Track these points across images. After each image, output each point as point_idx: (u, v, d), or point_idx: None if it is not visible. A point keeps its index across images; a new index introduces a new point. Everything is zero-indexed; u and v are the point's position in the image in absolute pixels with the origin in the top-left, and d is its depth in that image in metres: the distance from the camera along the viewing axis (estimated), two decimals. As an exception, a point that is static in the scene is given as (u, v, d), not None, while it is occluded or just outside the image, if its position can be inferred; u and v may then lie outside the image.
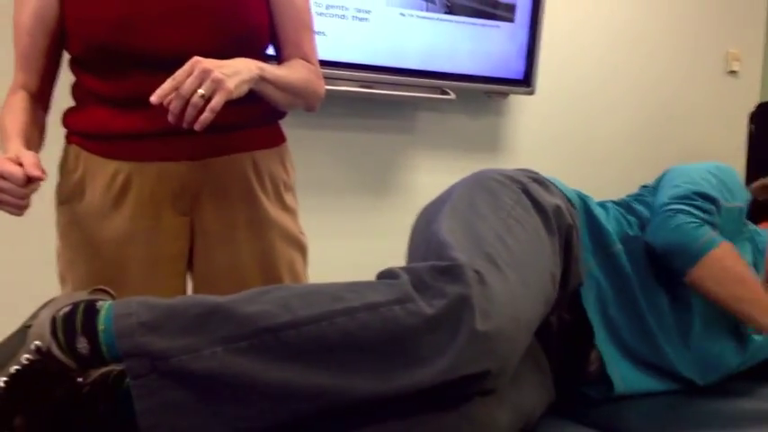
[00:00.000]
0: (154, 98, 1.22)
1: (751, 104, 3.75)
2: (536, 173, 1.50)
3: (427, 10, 2.84)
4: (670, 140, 3.62)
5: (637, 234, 1.53)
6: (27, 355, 1.05)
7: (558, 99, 3.32)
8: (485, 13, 2.96)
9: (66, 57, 1.48)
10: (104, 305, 1.09)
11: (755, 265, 1.65)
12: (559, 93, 3.31)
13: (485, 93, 3.10)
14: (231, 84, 1.24)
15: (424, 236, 1.31)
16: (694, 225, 1.45)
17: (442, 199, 1.42)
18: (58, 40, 1.44)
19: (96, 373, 1.08)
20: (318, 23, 2.62)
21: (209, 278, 1.50)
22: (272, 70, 1.38)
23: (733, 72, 3.76)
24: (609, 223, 1.53)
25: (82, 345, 1.05)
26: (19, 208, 1.23)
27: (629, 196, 1.67)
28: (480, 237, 1.22)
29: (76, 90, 1.48)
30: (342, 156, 2.90)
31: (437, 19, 2.87)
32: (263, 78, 1.34)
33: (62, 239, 1.49)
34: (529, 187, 1.40)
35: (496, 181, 1.40)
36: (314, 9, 2.58)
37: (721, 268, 1.46)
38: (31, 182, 1.22)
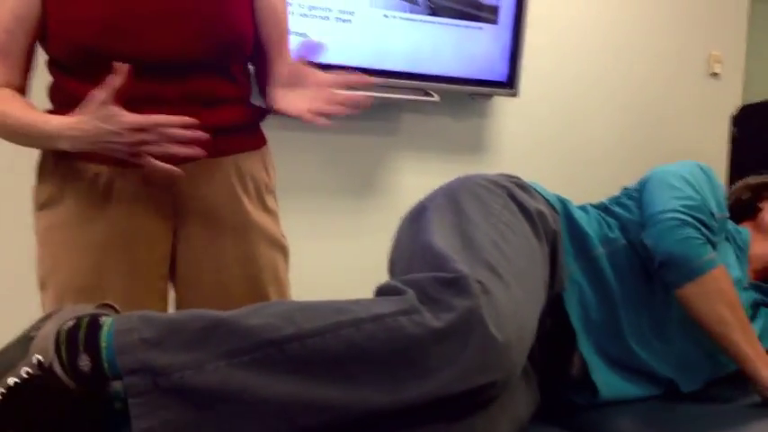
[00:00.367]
0: None
1: (733, 107, 3.77)
2: (517, 177, 1.50)
3: (411, 11, 2.83)
4: (654, 143, 3.63)
5: (617, 237, 1.53)
6: (27, 369, 1.03)
7: (542, 101, 3.32)
8: (468, 14, 2.95)
9: (42, 57, 1.45)
10: (107, 321, 1.07)
11: (739, 262, 1.65)
12: (543, 95, 3.31)
13: (468, 95, 3.10)
14: None
15: (416, 246, 1.30)
16: (700, 242, 1.44)
17: (426, 205, 1.41)
18: (35, 40, 1.41)
19: (95, 393, 1.06)
20: (301, 25, 2.62)
21: (192, 282, 1.49)
22: None
23: (715, 74, 3.77)
24: (590, 227, 1.52)
25: (84, 362, 1.03)
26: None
27: (608, 199, 1.66)
28: (476, 245, 1.21)
29: (55, 92, 1.45)
30: (326, 157, 2.89)
31: (420, 21, 2.86)
32: None
33: (42, 245, 1.46)
34: (514, 192, 1.39)
35: (482, 186, 1.39)
36: (296, 10, 2.60)
37: (716, 289, 1.45)
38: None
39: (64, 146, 1.31)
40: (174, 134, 1.25)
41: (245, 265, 1.50)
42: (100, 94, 1.24)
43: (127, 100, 1.26)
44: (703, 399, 1.55)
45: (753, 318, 1.64)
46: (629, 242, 1.53)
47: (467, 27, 2.96)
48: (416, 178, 3.02)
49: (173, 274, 1.50)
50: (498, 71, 3.06)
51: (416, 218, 1.39)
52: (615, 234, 1.53)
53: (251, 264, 1.50)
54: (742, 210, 1.80)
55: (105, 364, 1.03)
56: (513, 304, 1.12)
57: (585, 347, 1.47)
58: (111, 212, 1.41)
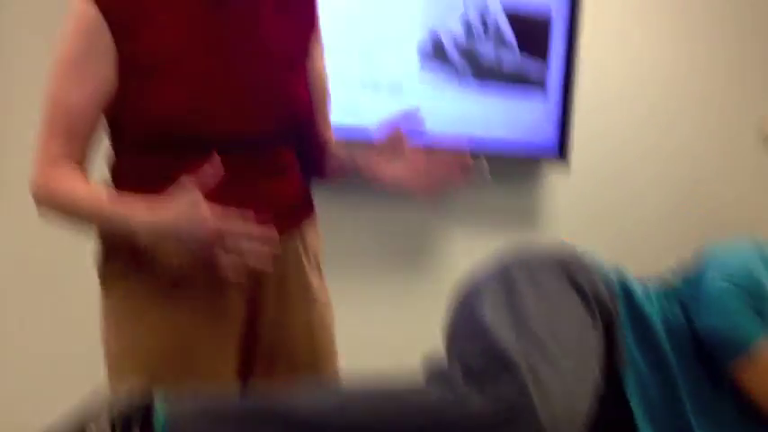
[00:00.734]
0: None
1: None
2: (573, 250, 1.47)
3: (459, 82, 2.87)
4: (708, 212, 3.57)
5: (676, 315, 1.50)
6: None
7: (593, 171, 3.30)
8: (517, 84, 2.97)
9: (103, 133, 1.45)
10: (160, 410, 1.07)
11: None
12: (594, 164, 3.29)
13: (518, 165, 3.09)
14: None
15: (468, 326, 1.30)
16: (753, 320, 1.41)
17: (479, 282, 1.40)
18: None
19: None
20: (351, 97, 2.66)
21: (262, 353, 1.46)
22: None
23: (769, 139, 3.72)
24: (648, 305, 1.49)
25: None
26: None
27: (665, 274, 1.63)
28: (529, 327, 1.20)
29: (121, 169, 1.43)
30: (373, 228, 2.89)
31: (469, 91, 2.88)
32: None
33: (113, 324, 1.41)
34: (569, 268, 1.37)
35: (535, 262, 1.38)
36: (347, 83, 2.65)
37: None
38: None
39: (141, 242, 1.30)
40: (253, 249, 1.24)
41: (309, 332, 1.50)
42: (188, 181, 1.23)
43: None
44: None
45: None
46: (688, 321, 1.50)
47: (515, 97, 2.97)
48: (466, 249, 3.01)
49: (245, 345, 1.48)
50: (548, 141, 3.06)
51: (469, 295, 1.38)
52: (674, 312, 1.50)
53: (315, 330, 1.51)
54: None
55: None
56: (564, 389, 1.11)
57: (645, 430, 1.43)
58: (193, 287, 1.38)
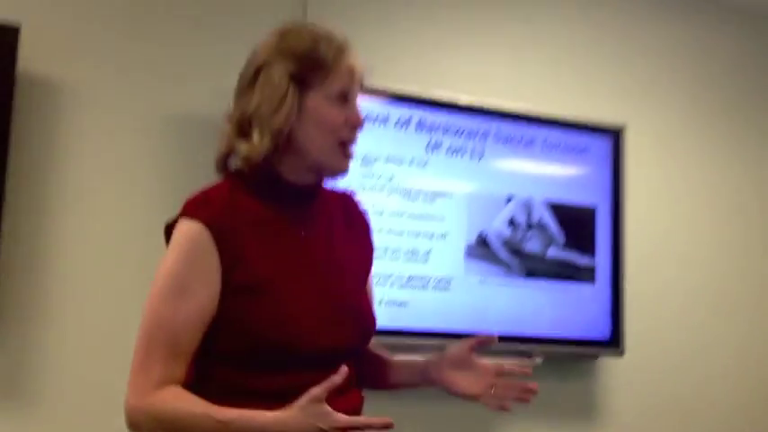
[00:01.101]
0: None
1: None
2: None
3: (506, 275, 2.88)
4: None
5: None
6: None
7: (649, 358, 3.21)
8: (565, 275, 2.98)
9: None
10: None
11: None
12: (649, 352, 3.21)
13: (572, 356, 3.03)
14: None
15: None
16: None
17: None
18: None
19: None
20: (400, 294, 2.69)
21: None
22: None
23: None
24: None
25: None
26: None
27: None
28: None
29: (212, 385, 1.42)
30: (431, 423, 2.82)
31: (517, 284, 2.89)
32: None
33: None
34: None
35: None
36: (396, 281, 2.68)
37: None
38: None
39: None
40: None
41: None
42: (317, 391, 1.26)
43: (290, 392, 1.29)
44: None
45: None
46: None
47: (564, 287, 2.97)
48: (524, 445, 2.90)
49: None
50: (601, 330, 3.02)
51: None
52: None
53: None
54: None
55: None
56: None
57: None
58: None
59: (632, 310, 3.08)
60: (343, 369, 1.28)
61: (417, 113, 2.81)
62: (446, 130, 2.86)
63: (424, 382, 1.60)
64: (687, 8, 3.51)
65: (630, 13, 3.42)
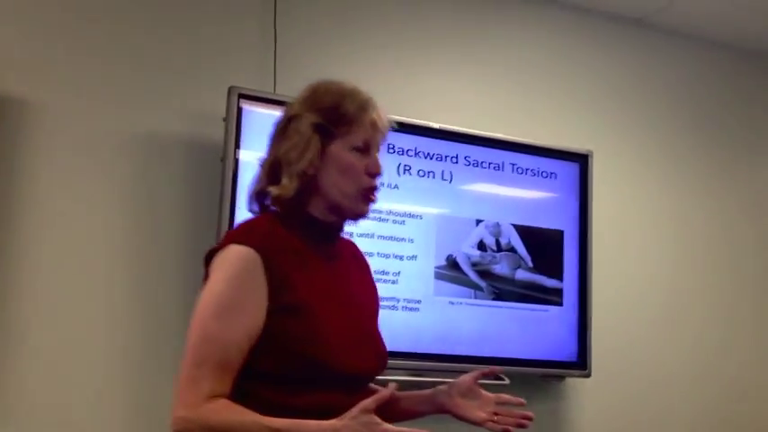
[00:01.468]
0: None
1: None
2: None
3: (475, 297, 2.93)
4: (738, 416, 3.48)
5: None
6: None
7: (616, 379, 3.26)
8: (533, 297, 3.03)
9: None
10: None
11: None
12: (616, 373, 3.26)
13: (540, 377, 3.08)
14: None
15: None
16: None
17: None
18: None
19: None
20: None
21: None
22: None
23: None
24: None
25: None
26: None
27: None
28: None
29: (247, 401, 1.46)
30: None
31: (486, 306, 2.94)
32: None
33: None
34: None
35: None
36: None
37: None
38: None
39: None
40: None
41: None
42: (368, 402, 1.36)
43: (323, 409, 1.40)
44: None
45: None
46: None
47: (532, 309, 3.02)
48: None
49: None
50: (568, 352, 3.07)
51: None
52: None
53: None
54: None
55: None
56: None
57: None
58: None
59: (599, 332, 3.13)
60: (392, 385, 1.41)
61: (388, 136, 2.86)
62: (416, 153, 2.92)
63: (432, 409, 1.74)
64: (650, 40, 3.61)
65: (598, 43, 3.51)
